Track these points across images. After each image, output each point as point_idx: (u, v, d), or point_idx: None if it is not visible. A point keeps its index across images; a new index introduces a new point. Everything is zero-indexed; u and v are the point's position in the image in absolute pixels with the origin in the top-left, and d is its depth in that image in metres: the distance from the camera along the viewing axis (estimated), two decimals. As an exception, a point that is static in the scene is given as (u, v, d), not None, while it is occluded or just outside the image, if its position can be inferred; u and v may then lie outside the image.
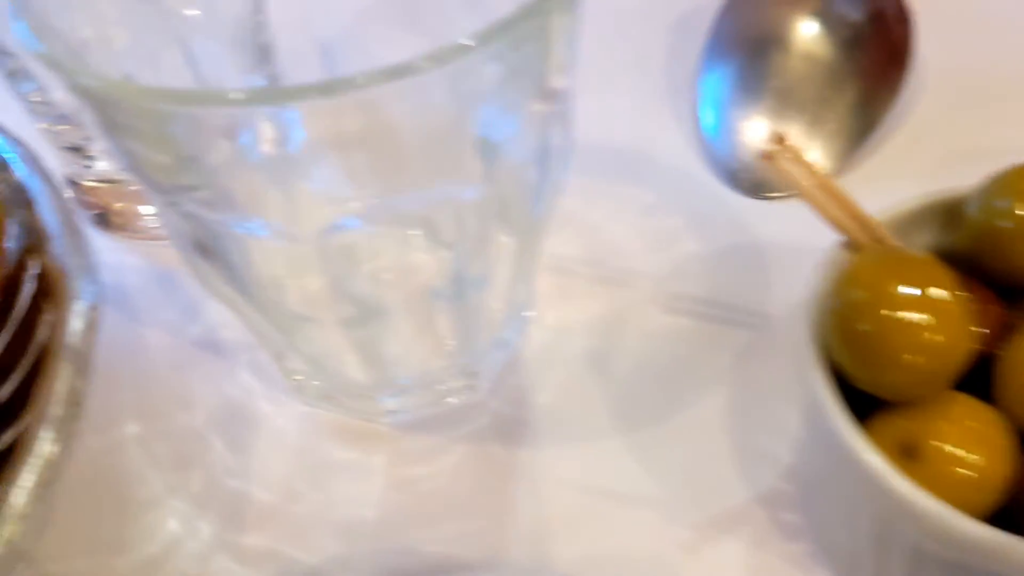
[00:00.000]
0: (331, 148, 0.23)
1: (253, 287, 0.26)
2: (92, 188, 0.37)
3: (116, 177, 0.36)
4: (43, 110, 0.35)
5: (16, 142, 0.30)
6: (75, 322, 0.25)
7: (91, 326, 0.25)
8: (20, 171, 0.29)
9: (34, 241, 0.30)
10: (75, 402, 0.24)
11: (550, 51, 0.23)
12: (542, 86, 0.23)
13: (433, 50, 0.20)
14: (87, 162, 0.36)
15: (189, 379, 0.32)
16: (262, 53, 0.33)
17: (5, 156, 0.29)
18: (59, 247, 0.27)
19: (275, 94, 0.21)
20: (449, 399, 0.30)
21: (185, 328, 0.33)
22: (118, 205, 0.37)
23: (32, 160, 0.29)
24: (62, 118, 0.35)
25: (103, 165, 0.35)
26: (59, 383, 0.24)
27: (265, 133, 0.23)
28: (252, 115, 0.22)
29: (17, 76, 0.35)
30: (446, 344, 0.29)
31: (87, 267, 0.26)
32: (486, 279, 0.27)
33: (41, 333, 0.29)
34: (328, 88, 0.20)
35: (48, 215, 0.28)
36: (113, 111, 0.23)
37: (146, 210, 0.37)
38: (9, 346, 0.29)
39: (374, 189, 0.24)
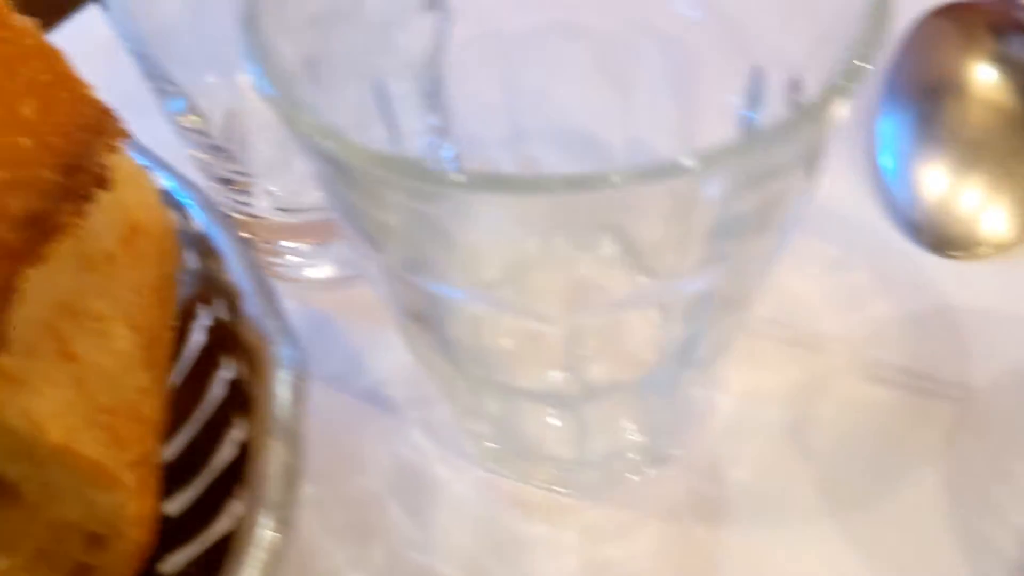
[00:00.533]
0: (567, 233, 0.22)
1: (466, 358, 0.24)
2: (242, 223, 0.35)
3: (270, 216, 0.34)
4: (195, 138, 0.34)
5: (191, 186, 0.29)
6: (282, 393, 0.23)
7: (300, 397, 0.23)
8: (200, 218, 0.28)
9: (205, 290, 0.28)
10: (291, 484, 0.22)
11: (826, 133, 0.21)
12: (810, 170, 0.22)
13: (707, 150, 0.18)
14: (240, 196, 0.34)
15: (359, 438, 0.30)
16: (435, 89, 0.31)
17: (182, 201, 0.28)
18: (253, 307, 0.25)
19: (527, 184, 0.19)
20: (640, 471, 0.28)
21: (349, 382, 0.32)
22: (265, 245, 0.36)
23: (211, 207, 0.28)
24: (215, 149, 0.34)
25: (264, 203, 0.34)
26: (273, 462, 0.22)
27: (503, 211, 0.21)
28: (503, 201, 0.20)
29: (168, 95, 0.33)
30: (648, 419, 0.27)
31: (286, 331, 0.25)
32: (706, 361, 0.25)
33: (215, 390, 0.28)
34: (580, 183, 0.18)
35: (236, 270, 0.26)
36: (347, 170, 0.21)
37: (293, 248, 0.36)
38: (179, 399, 0.27)
39: (617, 278, 0.22)
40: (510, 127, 0.32)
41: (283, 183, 0.34)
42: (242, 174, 0.34)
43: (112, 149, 0.23)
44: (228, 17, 0.30)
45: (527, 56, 0.31)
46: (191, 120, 0.33)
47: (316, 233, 0.36)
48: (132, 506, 0.22)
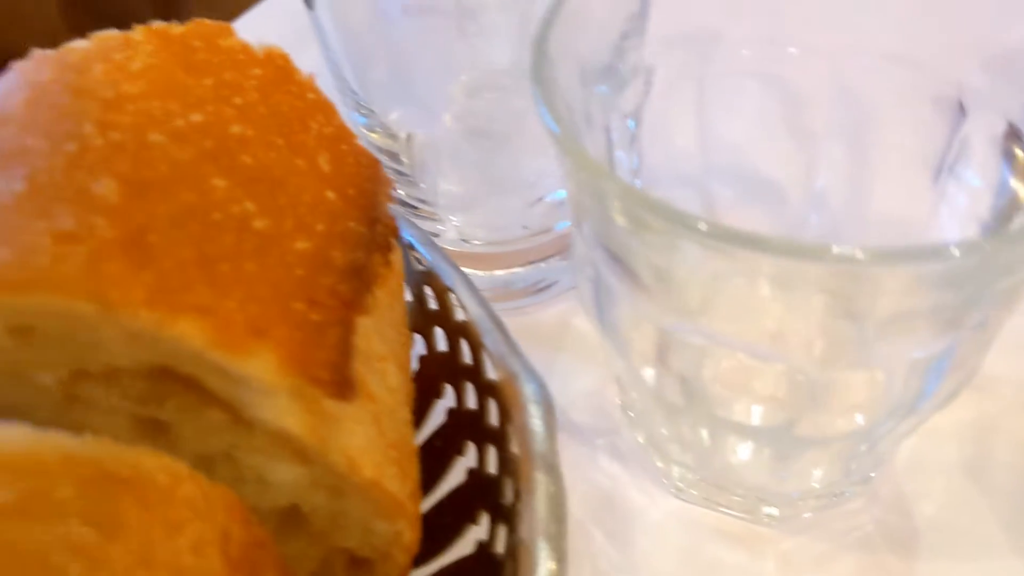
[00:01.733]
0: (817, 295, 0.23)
1: (696, 393, 0.26)
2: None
3: (449, 246, 0.36)
4: (379, 156, 0.35)
5: (409, 222, 0.30)
6: (537, 428, 0.25)
7: (552, 432, 0.25)
8: (425, 255, 0.29)
9: (419, 322, 0.30)
10: (560, 516, 0.23)
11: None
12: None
13: (971, 241, 0.20)
14: (423, 223, 0.36)
15: (554, 463, 0.31)
16: (635, 132, 0.33)
17: (406, 237, 0.29)
18: (495, 345, 0.26)
19: (795, 249, 0.21)
20: (832, 503, 0.30)
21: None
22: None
23: (434, 244, 0.29)
24: (399, 173, 0.35)
25: (451, 234, 0.35)
26: (540, 495, 0.23)
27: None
28: (773, 263, 0.21)
29: (358, 110, 0.34)
30: (851, 461, 0.28)
31: (528, 367, 0.26)
32: (926, 415, 0.26)
33: (434, 418, 0.29)
34: (850, 259, 0.20)
35: (471, 307, 0.27)
36: (621, 211, 0.22)
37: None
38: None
39: (852, 339, 0.24)
40: (698, 168, 0.33)
41: (469, 217, 0.35)
42: (424, 202, 0.35)
43: (390, 199, 0.25)
44: (434, 55, 0.32)
45: (719, 101, 0.32)
46: (377, 137, 0.35)
47: (487, 262, 0.37)
48: (408, 534, 0.23)
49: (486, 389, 0.27)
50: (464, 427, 0.28)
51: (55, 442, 0.16)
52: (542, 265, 0.37)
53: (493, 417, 0.27)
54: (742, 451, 0.28)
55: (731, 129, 0.33)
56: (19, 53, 0.22)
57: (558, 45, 0.24)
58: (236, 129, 0.22)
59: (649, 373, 0.26)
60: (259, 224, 0.20)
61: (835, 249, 0.20)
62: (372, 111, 0.34)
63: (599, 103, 0.28)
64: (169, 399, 0.20)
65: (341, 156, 0.24)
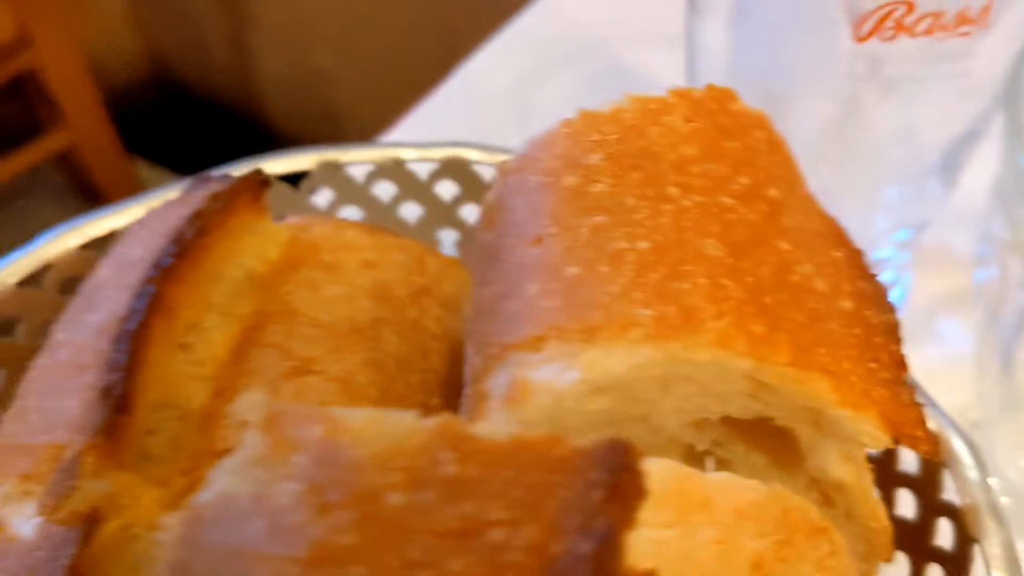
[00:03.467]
0: None
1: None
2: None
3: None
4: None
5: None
6: (974, 477, 0.26)
7: (986, 482, 0.27)
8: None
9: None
10: (1014, 562, 0.25)
11: None
12: None
13: None
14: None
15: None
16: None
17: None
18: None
19: None
20: None
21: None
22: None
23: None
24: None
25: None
26: (993, 542, 0.25)
27: None
28: None
29: None
30: None
31: (950, 420, 0.28)
32: None
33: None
34: None
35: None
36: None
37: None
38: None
39: None
40: None
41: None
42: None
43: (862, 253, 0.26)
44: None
45: None
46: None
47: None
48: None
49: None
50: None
51: (763, 492, 0.18)
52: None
53: (905, 464, 0.28)
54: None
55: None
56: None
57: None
58: (773, 192, 0.23)
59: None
60: (820, 285, 0.22)
61: None
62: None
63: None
64: (733, 441, 0.22)
65: (822, 215, 0.25)
